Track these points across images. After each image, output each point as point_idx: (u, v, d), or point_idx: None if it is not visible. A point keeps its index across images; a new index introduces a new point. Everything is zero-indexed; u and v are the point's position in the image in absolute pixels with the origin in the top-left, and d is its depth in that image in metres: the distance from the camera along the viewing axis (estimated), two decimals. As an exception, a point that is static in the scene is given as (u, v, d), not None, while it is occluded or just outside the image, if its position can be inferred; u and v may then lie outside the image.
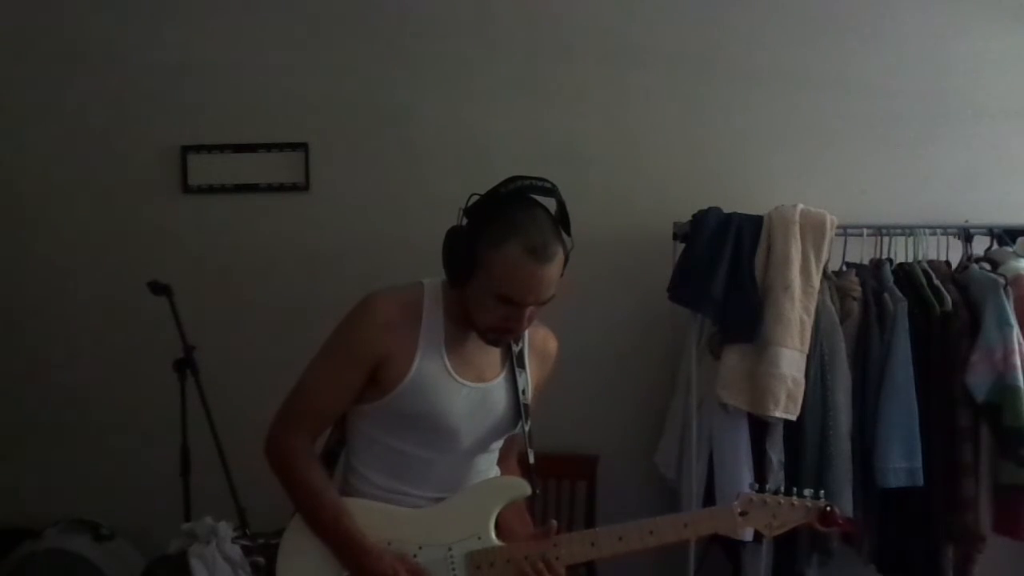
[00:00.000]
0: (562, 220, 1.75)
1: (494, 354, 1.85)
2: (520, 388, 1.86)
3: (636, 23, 3.27)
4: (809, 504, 1.81)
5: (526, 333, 1.86)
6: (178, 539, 2.87)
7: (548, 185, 1.75)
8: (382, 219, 3.34)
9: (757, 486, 1.84)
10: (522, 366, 1.88)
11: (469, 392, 1.81)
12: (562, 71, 3.29)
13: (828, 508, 1.80)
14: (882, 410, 2.79)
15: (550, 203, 1.75)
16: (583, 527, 3.11)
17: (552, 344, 1.96)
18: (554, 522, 1.83)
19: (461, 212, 1.75)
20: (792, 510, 1.81)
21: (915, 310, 2.81)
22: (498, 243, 1.68)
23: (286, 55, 3.34)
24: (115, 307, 3.39)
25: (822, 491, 1.84)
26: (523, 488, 1.85)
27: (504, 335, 1.77)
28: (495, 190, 1.73)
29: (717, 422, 2.90)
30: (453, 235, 1.75)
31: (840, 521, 1.81)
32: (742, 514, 1.81)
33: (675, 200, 3.08)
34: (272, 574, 1.86)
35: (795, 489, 1.83)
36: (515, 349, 1.87)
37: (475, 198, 1.75)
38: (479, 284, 1.72)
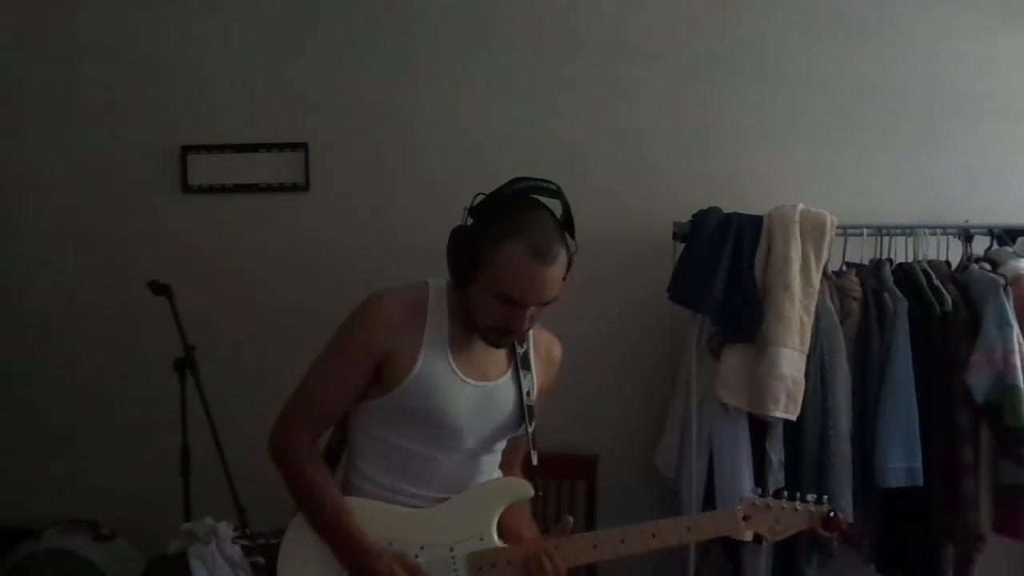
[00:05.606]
0: (566, 222, 1.75)
1: (499, 354, 1.85)
2: (525, 389, 1.86)
3: (636, 23, 3.27)
4: (812, 509, 1.82)
5: (531, 336, 1.87)
6: (178, 539, 2.88)
7: (553, 187, 1.75)
8: (382, 219, 3.34)
9: (760, 490, 1.85)
10: (527, 367, 1.88)
11: (473, 390, 1.81)
12: (562, 71, 3.28)
13: (831, 513, 1.81)
14: (882, 410, 2.79)
15: (553, 204, 1.75)
16: (583, 527, 3.11)
17: (556, 350, 1.97)
18: (570, 518, 1.84)
19: (466, 212, 1.75)
20: (795, 515, 1.82)
21: (915, 310, 2.80)
22: (500, 243, 1.69)
23: (286, 55, 3.34)
24: (115, 307, 3.39)
25: (824, 496, 1.85)
26: (526, 489, 1.85)
27: (505, 335, 1.78)
28: (500, 190, 1.73)
29: (717, 422, 2.90)
30: (457, 234, 1.75)
31: (843, 526, 1.82)
32: (745, 518, 1.82)
33: (675, 200, 3.07)
34: (273, 574, 1.86)
35: (798, 494, 1.84)
36: (520, 350, 1.87)
37: (480, 198, 1.75)
38: (481, 283, 1.72)
